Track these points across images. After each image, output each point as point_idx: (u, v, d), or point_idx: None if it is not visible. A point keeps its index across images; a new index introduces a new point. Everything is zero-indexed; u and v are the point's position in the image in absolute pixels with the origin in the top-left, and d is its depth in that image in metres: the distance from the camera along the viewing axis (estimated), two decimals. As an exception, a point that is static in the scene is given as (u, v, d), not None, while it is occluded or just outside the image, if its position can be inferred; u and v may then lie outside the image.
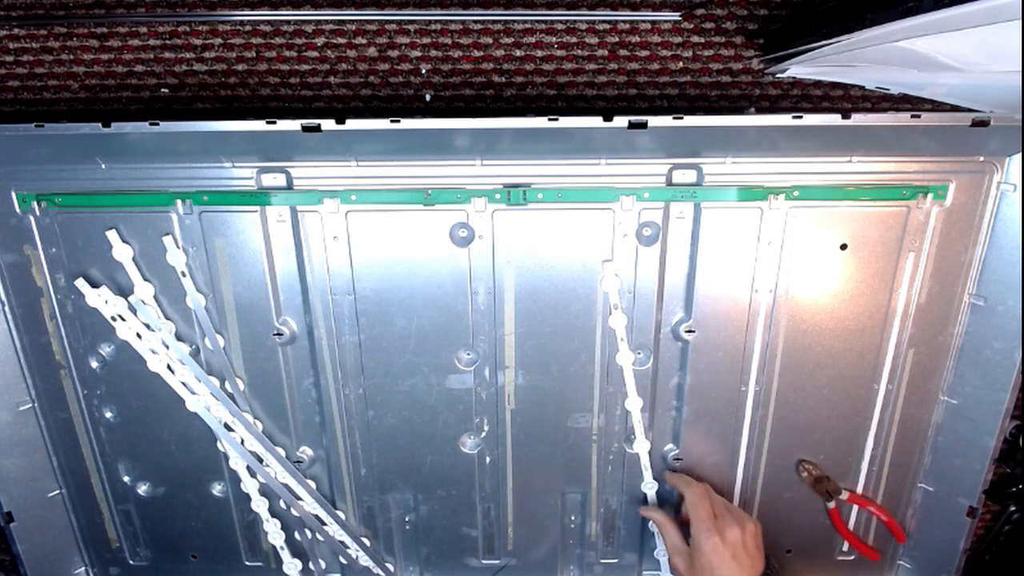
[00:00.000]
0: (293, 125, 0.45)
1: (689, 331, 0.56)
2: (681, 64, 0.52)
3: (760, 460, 0.60)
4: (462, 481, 0.62)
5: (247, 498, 0.61)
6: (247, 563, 0.66)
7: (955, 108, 0.49)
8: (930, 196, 0.52)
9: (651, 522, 0.61)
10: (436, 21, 0.51)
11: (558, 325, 0.56)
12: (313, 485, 0.62)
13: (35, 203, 0.53)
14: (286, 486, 0.60)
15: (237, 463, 0.59)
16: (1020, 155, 0.50)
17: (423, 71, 0.52)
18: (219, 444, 0.59)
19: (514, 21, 0.51)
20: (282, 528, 0.63)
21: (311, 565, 0.65)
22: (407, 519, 0.64)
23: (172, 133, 0.46)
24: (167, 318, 0.56)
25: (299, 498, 0.61)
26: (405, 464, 0.61)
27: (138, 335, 0.55)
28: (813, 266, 0.54)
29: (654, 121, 0.45)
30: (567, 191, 0.52)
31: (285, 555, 0.64)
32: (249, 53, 0.52)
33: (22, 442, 0.60)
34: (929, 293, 0.55)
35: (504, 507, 0.63)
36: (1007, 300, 0.53)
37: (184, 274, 0.54)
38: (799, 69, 0.49)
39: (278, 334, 0.56)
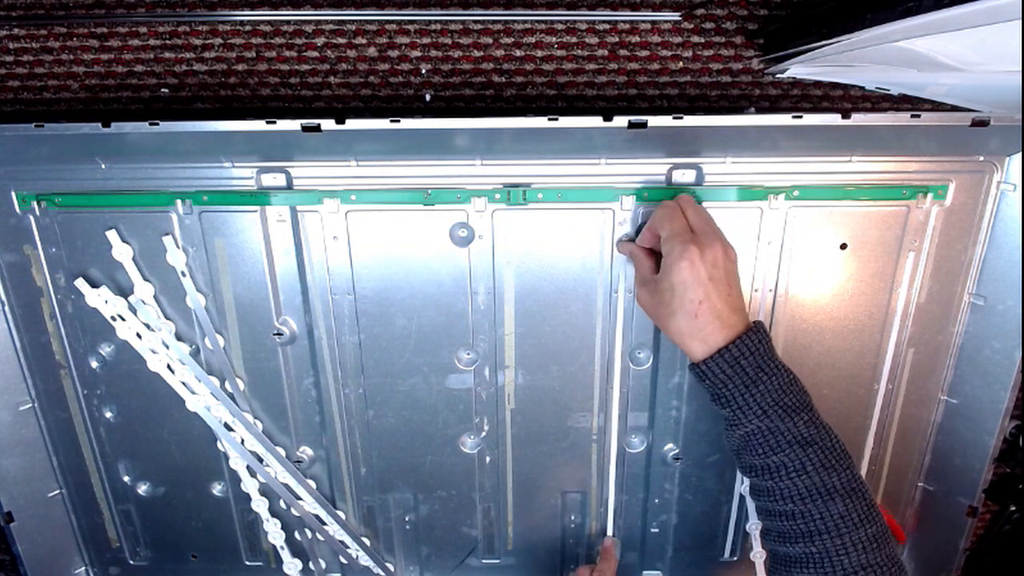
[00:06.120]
0: (293, 125, 0.45)
1: (689, 331, 0.55)
2: (681, 64, 0.52)
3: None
4: (462, 481, 0.62)
5: (247, 498, 0.61)
6: (247, 563, 0.66)
7: (955, 108, 0.49)
8: (930, 196, 0.52)
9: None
10: (436, 21, 0.51)
11: (558, 325, 0.56)
12: (313, 485, 0.62)
13: (35, 203, 0.53)
14: (286, 486, 0.60)
15: (237, 463, 0.59)
16: (1020, 155, 0.50)
17: (423, 71, 0.52)
18: (219, 444, 0.59)
19: (514, 21, 0.51)
20: (282, 528, 0.63)
21: (311, 565, 0.65)
22: (407, 519, 0.64)
23: (172, 133, 0.46)
24: (167, 318, 0.56)
25: (299, 498, 0.61)
26: (405, 464, 0.61)
27: (138, 335, 0.55)
28: (813, 266, 0.54)
29: (654, 121, 0.45)
30: (567, 191, 0.52)
31: (285, 555, 0.64)
32: (249, 53, 0.52)
33: (22, 442, 0.60)
34: (929, 293, 0.55)
35: (504, 507, 0.63)
36: (1007, 300, 0.53)
37: (184, 274, 0.54)
38: (799, 69, 0.49)
39: (278, 334, 0.56)
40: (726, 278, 0.44)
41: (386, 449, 0.60)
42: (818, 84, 0.53)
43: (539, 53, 0.52)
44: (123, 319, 0.55)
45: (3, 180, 0.52)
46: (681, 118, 0.45)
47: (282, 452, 0.60)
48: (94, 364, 0.58)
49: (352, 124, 0.45)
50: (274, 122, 0.45)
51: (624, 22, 0.51)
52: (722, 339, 0.44)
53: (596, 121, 0.45)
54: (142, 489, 0.63)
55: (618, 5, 0.50)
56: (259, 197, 0.52)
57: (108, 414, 0.60)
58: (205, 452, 0.60)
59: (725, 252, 0.45)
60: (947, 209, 0.53)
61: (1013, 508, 0.62)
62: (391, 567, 0.66)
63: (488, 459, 0.61)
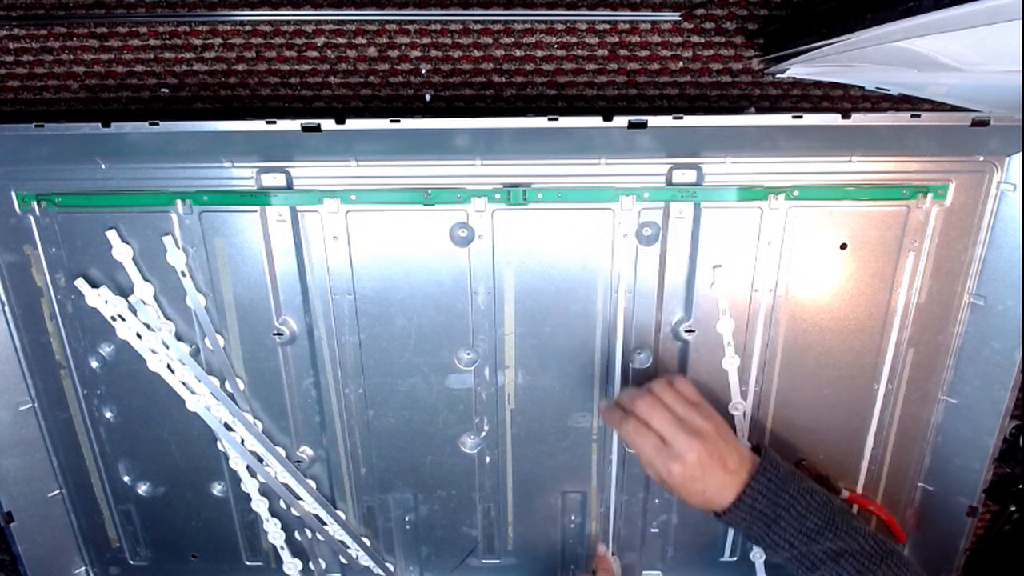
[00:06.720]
0: (293, 125, 0.45)
1: (689, 331, 0.56)
2: (681, 64, 0.52)
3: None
4: (462, 481, 0.62)
5: (247, 498, 0.61)
6: (247, 563, 0.66)
7: (955, 108, 0.49)
8: (930, 196, 0.52)
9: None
10: (436, 21, 0.51)
11: (558, 325, 0.56)
12: (313, 485, 0.62)
13: (35, 203, 0.53)
14: (286, 486, 0.60)
15: (237, 463, 0.59)
16: (1020, 155, 0.50)
17: (423, 71, 0.52)
18: (219, 444, 0.59)
19: (514, 21, 0.51)
20: (282, 528, 0.63)
21: (311, 565, 0.65)
22: (407, 519, 0.64)
23: (172, 133, 0.46)
24: (167, 318, 0.56)
25: (299, 498, 0.61)
26: (405, 464, 0.61)
27: (138, 335, 0.55)
28: (813, 266, 0.54)
29: (654, 121, 0.45)
30: (567, 191, 0.52)
31: (285, 555, 0.64)
32: (249, 53, 0.52)
33: (22, 442, 0.60)
34: (929, 293, 0.55)
35: (504, 507, 0.63)
36: (1007, 300, 0.53)
37: (184, 274, 0.54)
38: (799, 69, 0.49)
39: (278, 334, 0.56)
40: (717, 453, 0.46)
41: (386, 449, 0.60)
42: (818, 84, 0.53)
43: (539, 53, 0.52)
44: (123, 319, 0.55)
45: (3, 180, 0.52)
46: (681, 118, 0.45)
47: (282, 452, 0.60)
48: (94, 364, 0.58)
49: (352, 124, 0.45)
50: (274, 122, 0.45)
51: (624, 22, 0.51)
52: (733, 494, 0.46)
53: (596, 121, 0.45)
54: (142, 489, 0.63)
55: (618, 5, 0.50)
56: (259, 197, 0.52)
57: (108, 414, 0.60)
58: (205, 452, 0.60)
59: (703, 439, 0.46)
60: (947, 209, 0.53)
61: (1013, 508, 0.62)
62: (391, 567, 0.66)
63: (488, 459, 0.61)
